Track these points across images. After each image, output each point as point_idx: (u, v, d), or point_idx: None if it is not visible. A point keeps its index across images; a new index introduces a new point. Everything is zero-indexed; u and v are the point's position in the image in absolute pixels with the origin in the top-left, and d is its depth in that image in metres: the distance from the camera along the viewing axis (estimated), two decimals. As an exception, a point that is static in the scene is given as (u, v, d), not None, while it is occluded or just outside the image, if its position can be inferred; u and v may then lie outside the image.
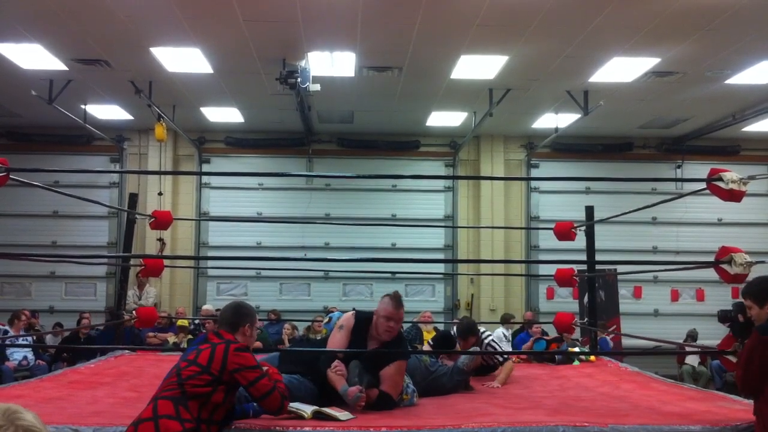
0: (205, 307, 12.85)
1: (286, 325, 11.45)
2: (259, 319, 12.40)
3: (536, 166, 14.27)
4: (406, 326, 10.61)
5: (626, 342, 11.35)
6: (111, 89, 11.08)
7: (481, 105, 11.38)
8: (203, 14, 8.13)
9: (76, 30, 8.58)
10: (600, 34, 8.57)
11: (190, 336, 11.36)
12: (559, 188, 14.05)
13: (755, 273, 4.67)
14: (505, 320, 10.88)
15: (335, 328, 4.72)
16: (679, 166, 14.18)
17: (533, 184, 14.21)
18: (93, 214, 13.58)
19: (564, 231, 6.92)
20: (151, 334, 11.17)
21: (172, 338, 11.26)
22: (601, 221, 7.25)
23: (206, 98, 11.71)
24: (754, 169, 13.49)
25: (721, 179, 4.44)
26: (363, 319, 4.63)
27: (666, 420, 3.83)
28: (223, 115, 12.75)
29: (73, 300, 13.57)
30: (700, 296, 13.95)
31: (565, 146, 13.94)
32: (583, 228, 6.95)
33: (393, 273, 12.41)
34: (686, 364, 11.95)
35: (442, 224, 14.21)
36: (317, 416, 3.84)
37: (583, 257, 7.23)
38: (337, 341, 4.58)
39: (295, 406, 3.86)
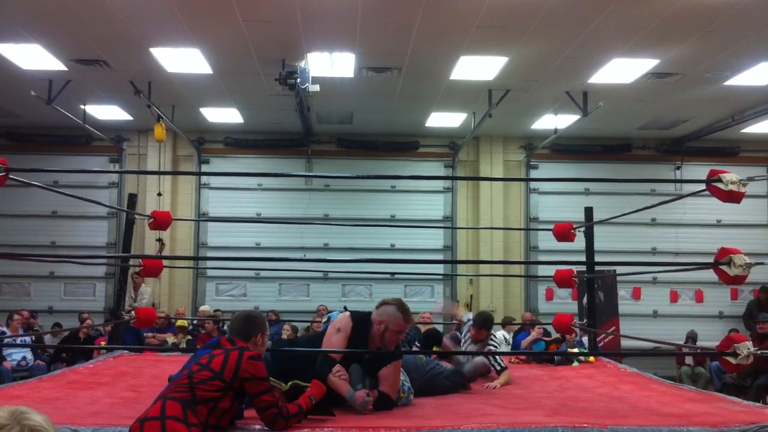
0: (202, 308, 12.86)
1: (286, 326, 11.44)
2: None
3: (535, 167, 14.28)
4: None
5: (625, 343, 11.34)
6: (110, 89, 11.08)
7: (480, 106, 11.39)
8: (203, 15, 8.13)
9: (75, 30, 8.58)
10: (599, 35, 8.58)
11: (189, 336, 11.36)
12: (558, 189, 14.06)
13: (754, 274, 4.68)
14: (506, 323, 10.87)
15: (332, 329, 4.60)
16: (678, 168, 14.19)
17: (532, 185, 14.21)
18: (92, 214, 13.58)
19: (563, 232, 6.92)
20: (149, 334, 11.16)
21: (171, 339, 11.26)
22: (601, 222, 7.26)
23: (205, 99, 11.71)
24: (753, 170, 13.52)
25: (720, 180, 4.44)
26: (360, 321, 4.56)
27: (665, 421, 3.82)
28: (223, 115, 12.75)
29: (73, 300, 13.56)
30: (699, 297, 13.96)
31: (564, 147, 13.94)
32: (583, 229, 6.95)
33: (392, 274, 12.42)
34: (685, 365, 11.95)
35: (442, 225, 14.21)
36: (294, 388, 3.95)
37: (583, 258, 7.23)
38: (335, 344, 4.48)
39: (272, 380, 3.88)
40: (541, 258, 13.73)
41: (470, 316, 6.80)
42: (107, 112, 12.44)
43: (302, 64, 9.31)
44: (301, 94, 9.78)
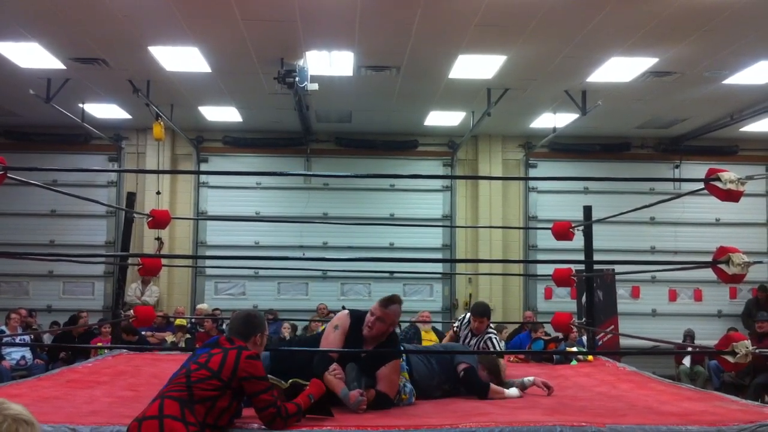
0: (199, 306, 12.87)
1: (285, 325, 11.45)
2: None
3: (534, 166, 14.28)
4: (404, 326, 10.65)
5: (624, 342, 11.35)
6: (109, 88, 11.07)
7: (479, 105, 11.38)
8: (201, 13, 8.12)
9: (74, 29, 8.57)
10: (598, 34, 8.58)
11: (188, 335, 11.36)
12: (557, 188, 14.06)
13: (753, 273, 4.69)
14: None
15: (330, 327, 4.62)
16: (677, 166, 14.20)
17: (531, 183, 14.22)
18: (91, 213, 13.58)
19: (562, 231, 6.92)
20: (148, 333, 11.15)
21: (170, 338, 11.25)
22: (599, 221, 7.26)
23: (204, 97, 11.70)
24: (751, 169, 13.50)
25: (719, 179, 4.45)
26: (357, 319, 4.57)
27: (663, 420, 3.83)
28: (221, 114, 12.74)
29: (71, 299, 13.56)
30: (697, 296, 13.97)
31: (563, 146, 13.94)
32: (581, 228, 6.95)
33: (391, 272, 12.42)
34: (683, 364, 11.96)
35: (440, 224, 14.21)
36: (294, 387, 3.95)
37: (581, 257, 7.23)
38: (332, 342, 4.49)
39: (272, 378, 3.90)
40: (540, 257, 13.75)
41: (461, 317, 6.84)
42: (106, 111, 12.43)
43: (301, 62, 9.31)
44: (299, 92, 9.78)
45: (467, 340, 6.50)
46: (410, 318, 10.95)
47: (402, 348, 4.90)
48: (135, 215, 7.05)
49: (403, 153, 14.14)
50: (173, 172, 14.58)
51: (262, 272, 13.37)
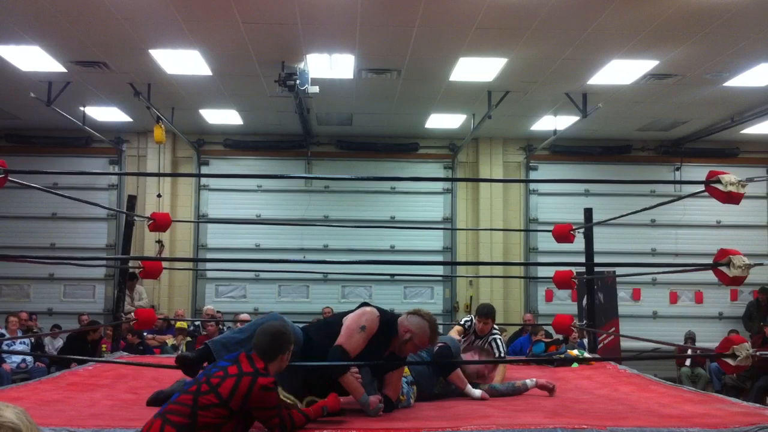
0: (207, 307, 12.83)
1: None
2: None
3: (535, 169, 14.27)
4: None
5: (625, 344, 11.34)
6: (110, 91, 11.09)
7: (479, 107, 11.39)
8: (202, 16, 8.13)
9: (74, 32, 8.58)
10: (599, 37, 8.59)
11: (188, 338, 11.35)
12: (557, 190, 14.06)
13: (754, 275, 4.68)
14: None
15: (355, 324, 4.27)
16: (677, 169, 14.19)
17: (532, 186, 14.21)
18: (92, 216, 13.58)
19: (563, 233, 6.92)
20: (149, 336, 11.16)
21: (170, 340, 11.25)
22: (600, 223, 7.26)
23: (205, 100, 11.71)
24: (752, 171, 13.55)
25: (719, 181, 4.44)
26: (386, 323, 4.37)
27: (664, 422, 3.82)
28: (222, 117, 12.75)
29: (72, 302, 13.55)
30: (698, 298, 13.96)
31: (563, 148, 13.95)
32: (582, 230, 6.95)
33: (392, 275, 12.41)
34: (685, 366, 11.96)
35: (441, 226, 14.21)
36: (310, 404, 3.89)
37: (582, 259, 7.22)
38: (356, 343, 4.20)
39: (286, 396, 3.83)
40: (541, 259, 13.73)
41: (466, 318, 6.85)
42: (107, 114, 12.44)
43: (301, 65, 9.32)
44: (300, 95, 9.79)
45: (471, 342, 6.51)
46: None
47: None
48: (136, 218, 7.05)
49: (403, 155, 14.15)
50: (174, 175, 14.59)
51: (262, 275, 13.37)
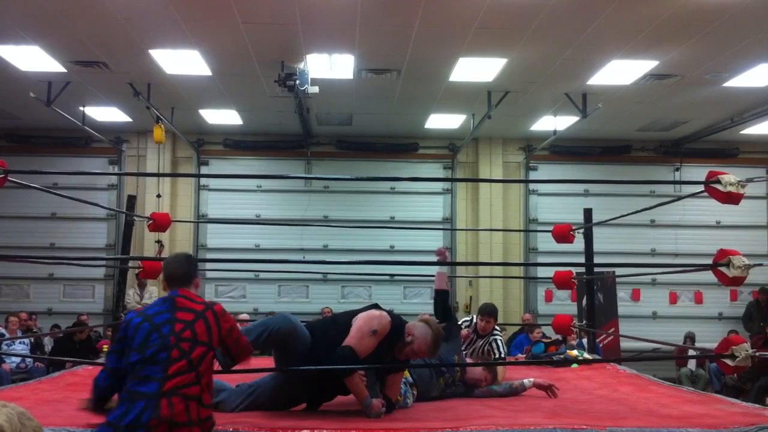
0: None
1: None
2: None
3: (535, 169, 14.27)
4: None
5: (624, 344, 11.34)
6: (109, 91, 11.08)
7: (479, 107, 11.39)
8: (202, 16, 8.13)
9: (74, 32, 8.58)
10: (598, 37, 8.58)
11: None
12: (557, 191, 14.06)
13: (753, 276, 4.68)
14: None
15: (366, 327, 4.23)
16: (677, 169, 14.19)
17: (532, 186, 14.20)
18: (91, 216, 13.58)
19: (562, 233, 6.92)
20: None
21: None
22: (600, 224, 7.26)
23: (205, 100, 11.71)
24: (752, 171, 13.55)
25: (719, 182, 4.45)
26: (396, 328, 4.36)
27: (664, 423, 3.83)
28: (222, 117, 12.75)
29: (72, 302, 13.55)
30: (698, 299, 13.95)
31: (563, 149, 13.94)
32: (582, 230, 6.95)
33: (392, 275, 12.41)
34: (685, 366, 11.96)
35: (441, 226, 14.21)
36: None
37: (582, 260, 7.23)
38: (366, 347, 4.18)
39: None
40: (541, 259, 13.72)
41: (466, 318, 6.86)
42: (106, 114, 12.44)
43: (301, 65, 9.32)
44: (300, 95, 9.79)
45: (473, 341, 6.50)
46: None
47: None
48: (135, 218, 7.06)
49: (403, 156, 14.14)
50: (174, 175, 14.57)
51: (262, 275, 13.36)
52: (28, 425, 1.77)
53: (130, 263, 7.62)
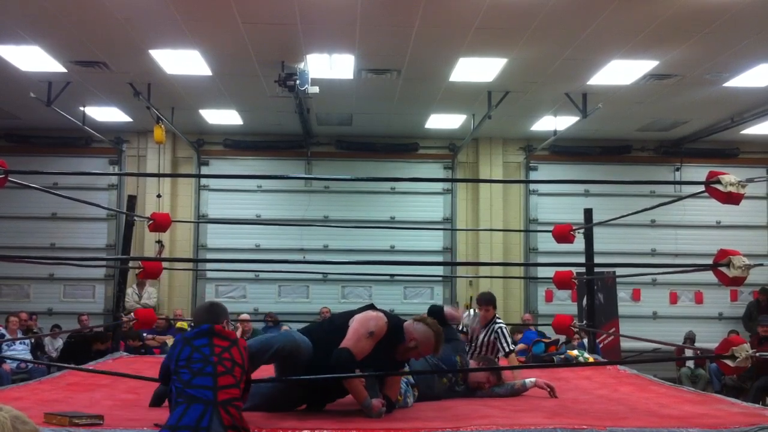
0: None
1: (285, 327, 11.43)
2: (257, 321, 12.42)
3: (535, 169, 14.27)
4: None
5: (625, 344, 11.34)
6: (110, 91, 11.09)
7: (479, 107, 11.39)
8: (202, 17, 8.13)
9: (74, 32, 8.58)
10: (599, 37, 8.58)
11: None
12: (557, 191, 14.06)
13: (754, 276, 4.67)
14: None
15: (363, 329, 4.23)
16: (677, 169, 14.19)
17: (532, 186, 14.20)
18: (92, 216, 13.58)
19: (563, 233, 6.91)
20: (149, 336, 11.16)
21: (170, 341, 11.24)
22: (600, 224, 7.26)
23: (205, 100, 11.71)
24: (752, 171, 13.55)
25: (719, 182, 4.44)
26: (393, 329, 4.37)
27: (664, 423, 3.83)
28: (222, 117, 12.75)
29: (72, 302, 13.55)
30: (698, 299, 13.95)
31: (563, 149, 13.94)
32: (582, 231, 6.95)
33: (392, 275, 12.41)
34: (685, 366, 11.96)
35: (441, 227, 14.21)
36: None
37: (582, 260, 7.23)
38: (362, 348, 4.19)
39: None
40: (541, 259, 13.71)
41: (470, 312, 6.81)
42: (107, 114, 12.44)
43: (301, 65, 9.32)
44: (300, 95, 9.79)
45: (474, 333, 6.42)
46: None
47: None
48: (136, 218, 7.05)
49: (403, 156, 14.15)
50: (174, 175, 14.57)
51: (262, 275, 13.35)
52: (22, 429, 1.73)
53: (131, 263, 7.62)
